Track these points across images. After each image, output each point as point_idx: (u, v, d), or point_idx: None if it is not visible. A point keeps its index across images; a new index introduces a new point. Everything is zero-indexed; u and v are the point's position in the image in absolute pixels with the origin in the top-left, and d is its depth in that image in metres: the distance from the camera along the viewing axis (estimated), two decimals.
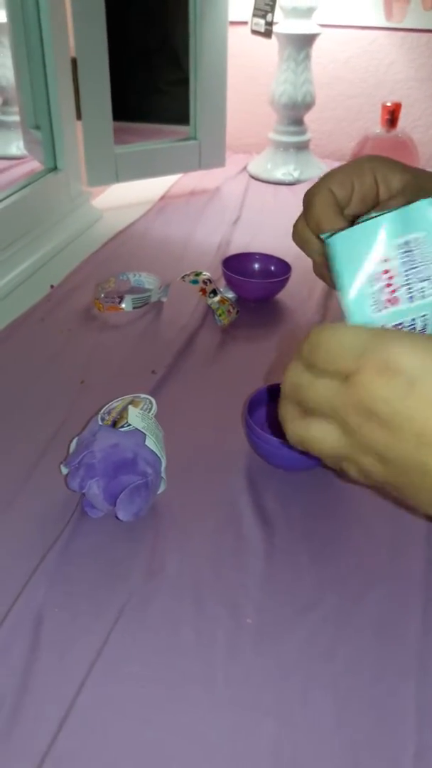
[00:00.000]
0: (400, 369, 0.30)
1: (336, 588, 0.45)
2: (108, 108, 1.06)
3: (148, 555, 0.48)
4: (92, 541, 0.49)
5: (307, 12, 1.18)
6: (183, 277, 0.80)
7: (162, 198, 1.19)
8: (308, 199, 0.46)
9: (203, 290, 0.77)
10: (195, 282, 0.78)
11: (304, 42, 1.20)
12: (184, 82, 1.20)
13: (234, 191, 1.23)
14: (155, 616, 0.43)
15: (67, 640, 0.41)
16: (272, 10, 1.16)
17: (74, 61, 1.00)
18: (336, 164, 1.33)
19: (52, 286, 0.87)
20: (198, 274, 0.79)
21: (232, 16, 1.18)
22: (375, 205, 0.46)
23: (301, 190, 1.21)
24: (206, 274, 0.79)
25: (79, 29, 0.98)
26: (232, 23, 1.17)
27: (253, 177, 1.30)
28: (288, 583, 0.46)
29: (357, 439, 0.32)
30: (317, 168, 1.29)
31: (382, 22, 1.31)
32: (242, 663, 0.40)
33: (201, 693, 0.39)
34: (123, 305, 0.80)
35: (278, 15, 1.17)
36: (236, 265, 0.84)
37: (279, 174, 1.27)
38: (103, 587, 0.45)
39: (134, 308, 0.80)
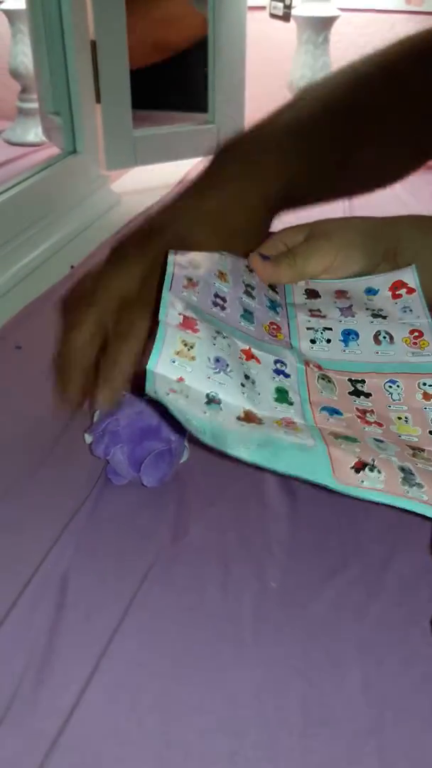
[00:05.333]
0: None
1: (363, 553, 0.45)
2: (127, 91, 1.06)
3: (173, 521, 0.47)
4: (116, 507, 0.49)
5: None
6: None
7: (180, 182, 1.19)
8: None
9: None
10: None
11: (323, 25, 1.20)
12: (202, 68, 1.19)
13: None
14: (181, 578, 0.43)
15: (93, 600, 0.41)
16: None
17: (93, 44, 1.01)
18: None
19: (72, 267, 0.87)
20: None
21: (251, 1, 1.17)
22: None
23: None
24: None
25: (98, 12, 0.98)
26: (251, 8, 1.17)
27: None
28: (314, 546, 0.45)
29: None
30: None
31: (402, 6, 1.30)
32: (270, 623, 0.40)
33: (229, 651, 0.38)
34: None
35: None
36: None
37: None
38: (129, 550, 0.45)
39: None
